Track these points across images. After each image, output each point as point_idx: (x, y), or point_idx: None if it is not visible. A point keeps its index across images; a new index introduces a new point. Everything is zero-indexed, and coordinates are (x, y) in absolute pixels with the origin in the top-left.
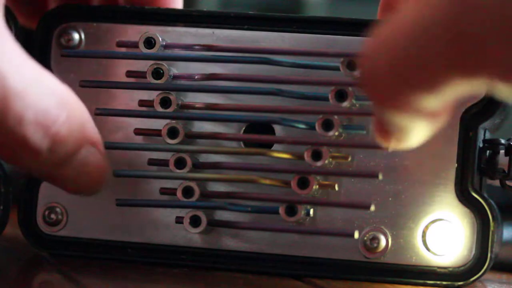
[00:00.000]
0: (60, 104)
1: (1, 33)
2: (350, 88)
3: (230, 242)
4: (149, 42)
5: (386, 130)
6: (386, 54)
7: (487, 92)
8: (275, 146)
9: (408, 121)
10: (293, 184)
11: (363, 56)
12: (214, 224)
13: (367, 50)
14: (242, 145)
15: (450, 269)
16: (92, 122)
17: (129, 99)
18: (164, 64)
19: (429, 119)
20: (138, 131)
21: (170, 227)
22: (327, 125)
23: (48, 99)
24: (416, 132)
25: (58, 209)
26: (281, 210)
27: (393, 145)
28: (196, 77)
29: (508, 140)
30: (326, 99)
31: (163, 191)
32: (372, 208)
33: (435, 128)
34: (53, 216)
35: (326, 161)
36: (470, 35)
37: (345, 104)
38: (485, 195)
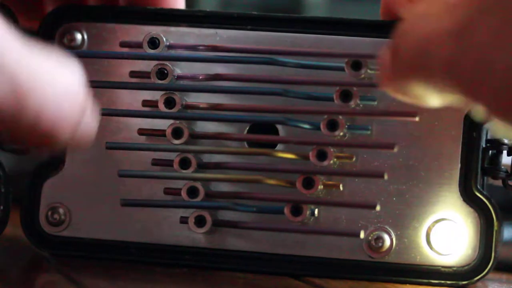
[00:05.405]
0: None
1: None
2: (354, 88)
3: (234, 242)
4: (153, 42)
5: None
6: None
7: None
8: (279, 146)
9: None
10: (298, 184)
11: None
12: (219, 224)
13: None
14: (246, 145)
15: (455, 268)
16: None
17: (133, 99)
18: (168, 64)
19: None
20: (142, 132)
21: (174, 227)
22: (332, 125)
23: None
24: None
25: (61, 209)
26: (286, 210)
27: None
28: (200, 77)
29: (511, 140)
30: (331, 99)
31: (168, 191)
32: (378, 208)
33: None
34: (56, 216)
35: (331, 161)
36: None
37: (350, 104)
38: (488, 194)
